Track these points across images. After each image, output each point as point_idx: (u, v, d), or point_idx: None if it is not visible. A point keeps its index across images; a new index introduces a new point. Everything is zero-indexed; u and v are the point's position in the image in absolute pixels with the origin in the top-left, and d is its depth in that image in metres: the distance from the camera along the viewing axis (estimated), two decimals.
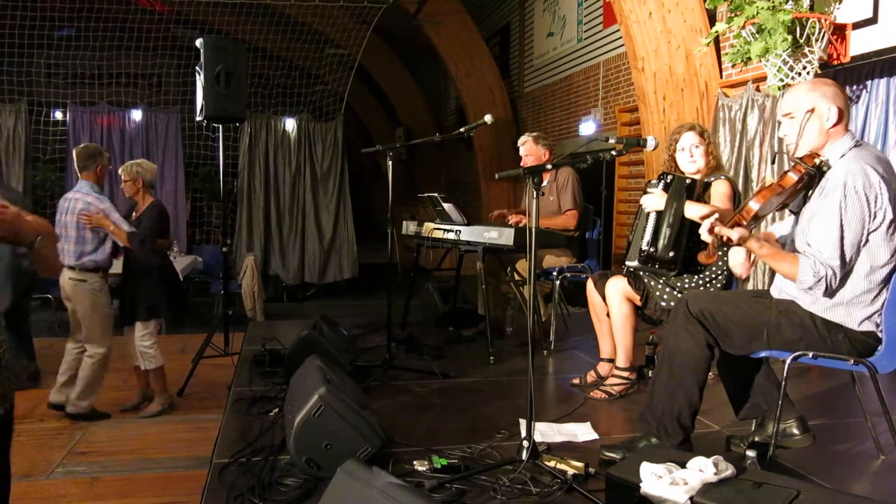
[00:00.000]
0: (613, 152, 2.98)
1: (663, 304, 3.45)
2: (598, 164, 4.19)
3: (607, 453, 2.71)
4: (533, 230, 2.63)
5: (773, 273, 2.89)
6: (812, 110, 2.51)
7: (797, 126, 2.55)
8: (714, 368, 3.02)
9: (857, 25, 4.41)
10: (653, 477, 2.10)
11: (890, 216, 2.41)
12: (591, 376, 3.80)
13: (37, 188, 9.83)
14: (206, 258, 9.45)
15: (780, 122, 2.65)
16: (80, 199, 4.69)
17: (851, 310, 2.50)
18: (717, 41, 5.43)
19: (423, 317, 5.46)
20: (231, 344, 5.56)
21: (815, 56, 4.33)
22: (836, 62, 4.48)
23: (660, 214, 3.38)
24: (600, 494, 2.31)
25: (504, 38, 11.85)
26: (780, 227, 2.93)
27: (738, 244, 2.47)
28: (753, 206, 2.47)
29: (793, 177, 2.50)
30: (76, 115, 9.78)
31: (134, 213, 5.01)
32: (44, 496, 3.69)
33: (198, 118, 5.62)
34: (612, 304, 3.60)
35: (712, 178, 3.51)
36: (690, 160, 3.58)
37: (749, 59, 4.47)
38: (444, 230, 4.61)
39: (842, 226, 2.40)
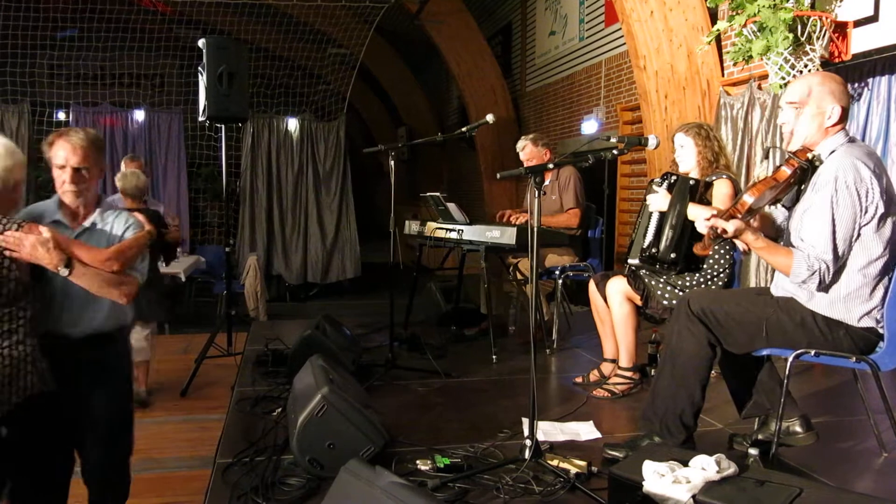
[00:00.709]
0: (615, 151, 2.98)
1: (665, 302, 3.46)
2: (600, 162, 4.19)
3: (610, 452, 2.71)
4: (535, 229, 2.64)
5: (774, 271, 2.90)
6: (817, 107, 2.53)
7: (797, 117, 2.57)
8: (716, 367, 3.03)
9: (858, 23, 4.41)
10: (655, 475, 2.10)
11: (881, 210, 2.43)
12: (594, 375, 3.81)
13: (40, 189, 9.84)
14: (208, 258, 9.45)
15: (781, 108, 2.66)
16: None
17: (850, 305, 2.50)
18: (718, 39, 5.43)
19: (425, 316, 5.46)
20: (234, 344, 5.57)
21: (817, 54, 4.33)
22: (837, 60, 4.48)
23: (663, 215, 3.38)
24: (603, 493, 2.31)
25: (506, 37, 11.85)
26: (775, 214, 2.94)
27: (734, 236, 2.49)
28: (748, 199, 2.50)
29: (786, 171, 2.53)
30: (79, 116, 9.80)
31: None
32: None
33: (200, 118, 5.63)
34: (614, 305, 3.60)
35: (714, 178, 3.51)
36: (680, 160, 3.61)
37: (750, 57, 4.47)
38: (447, 229, 4.61)
39: (833, 220, 2.42)
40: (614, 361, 3.75)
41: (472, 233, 4.45)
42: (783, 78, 4.39)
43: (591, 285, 3.82)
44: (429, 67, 14.87)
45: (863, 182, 2.40)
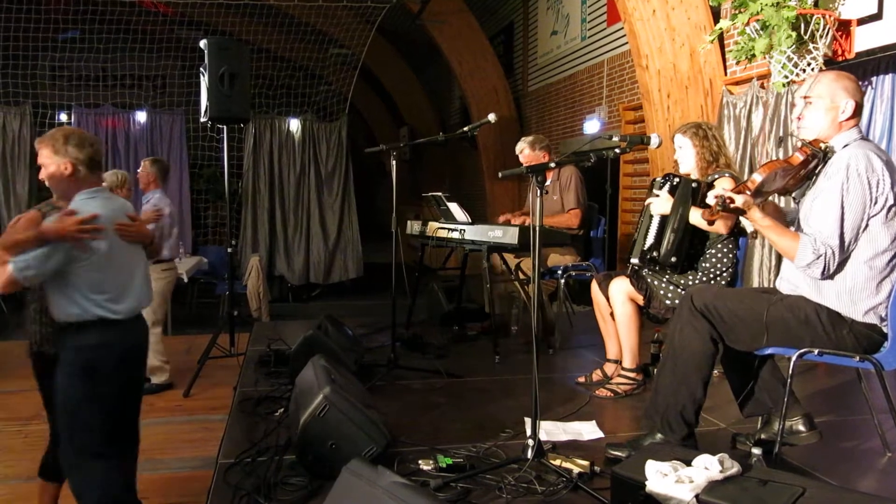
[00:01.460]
0: (617, 150, 2.98)
1: (668, 302, 3.45)
2: (602, 162, 4.19)
3: (612, 452, 2.71)
4: (537, 229, 2.63)
5: (777, 269, 2.89)
6: (831, 101, 2.54)
7: (812, 111, 2.58)
8: (719, 366, 3.02)
9: (861, 21, 4.40)
10: (658, 475, 2.10)
11: (891, 202, 2.44)
12: (596, 375, 3.80)
13: (42, 190, 9.84)
14: (211, 259, 9.46)
15: (794, 104, 2.67)
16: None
17: (856, 298, 2.50)
18: (721, 38, 5.41)
19: (428, 316, 5.46)
20: (236, 344, 5.57)
21: (820, 52, 4.32)
22: (840, 58, 4.47)
23: (664, 218, 3.39)
24: (606, 493, 2.30)
25: (508, 36, 11.84)
26: (788, 211, 2.94)
27: (742, 211, 2.49)
28: (757, 177, 2.52)
29: (798, 156, 2.54)
30: (81, 117, 9.80)
31: None
32: None
33: (202, 119, 5.64)
34: (616, 305, 3.59)
35: (717, 176, 3.51)
36: (680, 161, 3.62)
37: (753, 56, 4.46)
38: (449, 229, 4.61)
39: (843, 206, 2.43)
40: (617, 362, 3.74)
41: (474, 232, 4.45)
42: (786, 77, 4.39)
43: (594, 285, 3.81)
44: (430, 67, 14.87)
45: (874, 172, 2.42)
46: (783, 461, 2.61)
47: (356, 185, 10.57)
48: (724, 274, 3.49)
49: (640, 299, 3.53)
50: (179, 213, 10.05)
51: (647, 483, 2.10)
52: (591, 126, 8.46)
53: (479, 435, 2.96)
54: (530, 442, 2.58)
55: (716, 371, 3.10)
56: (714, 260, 3.49)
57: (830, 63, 4.44)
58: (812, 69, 4.32)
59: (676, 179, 3.41)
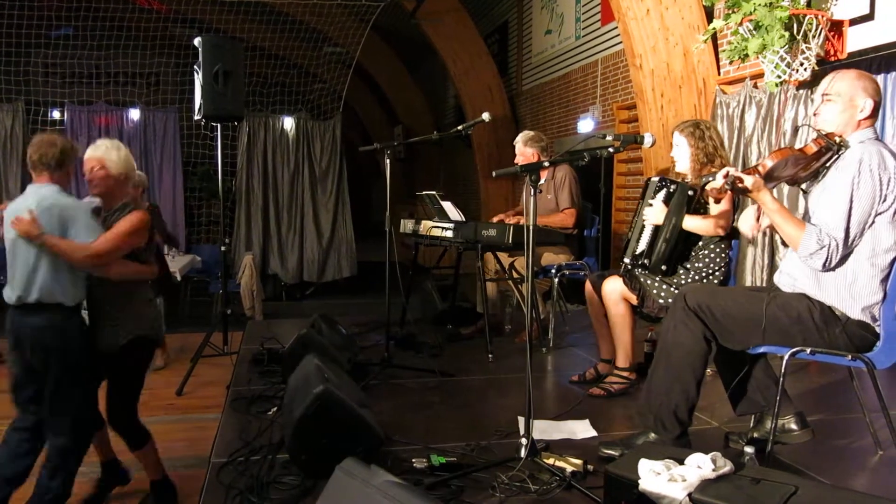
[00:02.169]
0: (611, 149, 2.98)
1: (661, 301, 3.45)
2: (596, 161, 4.19)
3: (606, 450, 2.71)
4: (531, 228, 2.63)
5: (770, 269, 2.90)
6: (850, 99, 2.54)
7: (830, 107, 2.58)
8: (712, 365, 3.03)
9: (853, 22, 4.42)
10: (651, 473, 2.10)
11: None
12: (590, 374, 3.81)
13: None
14: (204, 257, 9.43)
15: (812, 99, 2.66)
16: None
17: (855, 294, 2.51)
18: (714, 38, 5.42)
19: (421, 315, 5.46)
20: (230, 343, 5.55)
21: (813, 52, 4.33)
22: (833, 59, 4.48)
23: (657, 227, 3.40)
24: (599, 491, 2.31)
25: (502, 35, 11.84)
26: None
27: (751, 192, 2.49)
28: (768, 162, 2.53)
29: (813, 147, 2.54)
30: (74, 115, 9.76)
31: None
32: None
33: (196, 117, 5.61)
34: (610, 305, 3.60)
35: (710, 178, 3.50)
36: (676, 159, 3.63)
37: (746, 55, 4.47)
38: (443, 228, 4.60)
39: (851, 200, 2.43)
40: (611, 361, 3.75)
41: (468, 231, 4.45)
42: (779, 76, 4.40)
43: (588, 285, 3.82)
44: (425, 66, 14.86)
45: (886, 170, 2.43)
46: (776, 460, 2.62)
47: (350, 183, 10.55)
48: (717, 273, 3.50)
49: (634, 299, 3.53)
50: (173, 212, 10.06)
51: (640, 482, 2.10)
52: (585, 125, 8.47)
53: (472, 434, 2.97)
54: (524, 440, 2.58)
55: (709, 370, 3.11)
56: (707, 260, 3.50)
57: (823, 63, 4.46)
58: (805, 69, 4.34)
59: (673, 186, 3.40)
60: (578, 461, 2.54)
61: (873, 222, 2.47)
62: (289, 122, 10.06)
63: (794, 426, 2.78)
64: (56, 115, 9.82)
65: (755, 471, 2.17)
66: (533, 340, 2.67)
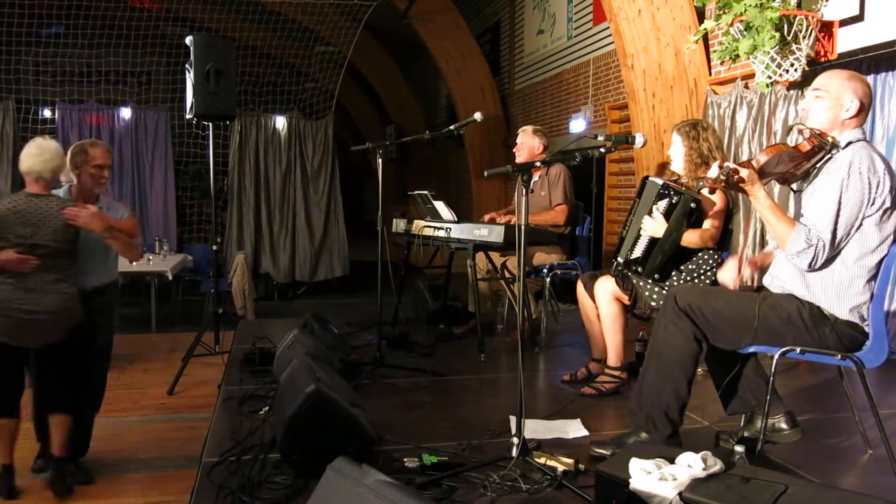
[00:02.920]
0: (603, 149, 2.98)
1: (653, 303, 3.46)
2: (587, 161, 4.20)
3: (597, 449, 2.72)
4: (523, 227, 2.64)
5: (761, 271, 2.92)
6: (837, 97, 2.55)
7: (817, 104, 2.60)
8: (703, 364, 3.04)
9: (843, 23, 4.44)
10: (642, 473, 2.11)
11: (888, 205, 2.46)
12: (581, 373, 3.81)
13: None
14: (196, 257, 9.42)
15: (804, 96, 2.67)
16: None
17: (842, 294, 2.52)
18: (705, 38, 5.45)
19: (413, 314, 5.46)
20: (221, 342, 5.54)
21: (803, 53, 4.36)
22: (823, 59, 4.51)
23: (655, 238, 3.40)
24: (590, 491, 2.31)
25: (494, 35, 11.85)
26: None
27: (745, 184, 2.49)
28: (762, 157, 2.54)
29: (806, 145, 2.55)
30: (65, 113, 9.73)
31: None
32: (33, 497, 3.67)
33: (187, 116, 5.60)
34: (602, 305, 3.60)
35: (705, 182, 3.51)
36: (672, 158, 3.64)
37: (737, 56, 4.49)
38: (435, 228, 4.60)
39: (840, 202, 2.44)
40: (602, 361, 3.75)
41: (460, 231, 4.45)
42: (769, 77, 4.42)
43: (580, 285, 3.82)
44: (417, 65, 14.86)
45: (876, 173, 2.44)
46: (766, 459, 2.63)
47: (342, 183, 10.55)
48: (708, 273, 3.51)
49: (626, 299, 3.54)
50: (164, 211, 10.04)
51: (630, 481, 2.11)
52: (577, 125, 8.48)
53: (464, 433, 2.96)
54: (515, 440, 2.59)
55: (700, 369, 3.12)
56: (700, 262, 3.51)
57: (813, 64, 4.48)
58: (795, 70, 4.36)
59: (676, 198, 3.37)
60: (570, 460, 2.54)
61: (861, 224, 2.48)
62: (281, 122, 10.04)
63: (784, 425, 2.80)
64: (47, 113, 9.78)
65: (745, 470, 2.18)
66: (525, 340, 2.68)
